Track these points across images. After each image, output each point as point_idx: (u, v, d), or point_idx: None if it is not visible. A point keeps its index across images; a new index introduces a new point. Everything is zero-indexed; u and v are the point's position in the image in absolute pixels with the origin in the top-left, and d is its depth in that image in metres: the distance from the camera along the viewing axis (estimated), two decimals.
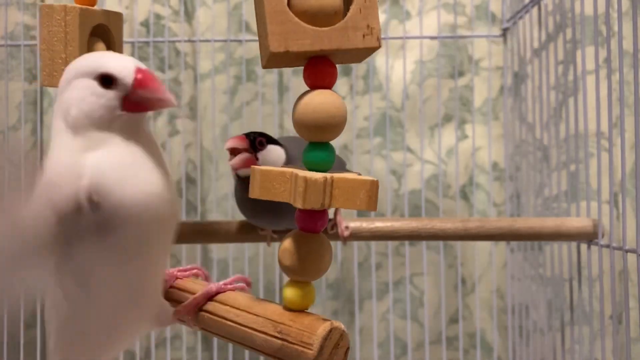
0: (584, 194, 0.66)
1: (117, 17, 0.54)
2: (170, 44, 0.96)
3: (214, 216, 0.97)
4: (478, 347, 0.88)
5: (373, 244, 0.92)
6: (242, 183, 0.54)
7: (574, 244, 0.66)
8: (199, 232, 0.65)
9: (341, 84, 0.98)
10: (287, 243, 0.34)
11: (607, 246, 0.60)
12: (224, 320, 0.37)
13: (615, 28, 0.83)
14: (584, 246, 0.64)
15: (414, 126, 0.97)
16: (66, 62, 0.47)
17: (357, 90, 0.97)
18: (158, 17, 0.96)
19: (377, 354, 0.91)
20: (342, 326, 0.33)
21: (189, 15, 0.98)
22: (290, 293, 0.34)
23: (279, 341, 0.33)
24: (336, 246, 0.96)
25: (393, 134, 0.96)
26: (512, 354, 0.88)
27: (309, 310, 0.35)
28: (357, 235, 0.63)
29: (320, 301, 0.95)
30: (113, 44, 0.53)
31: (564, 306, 0.70)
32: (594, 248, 0.63)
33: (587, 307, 0.77)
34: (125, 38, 0.94)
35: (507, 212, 0.89)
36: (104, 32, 0.52)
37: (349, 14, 0.31)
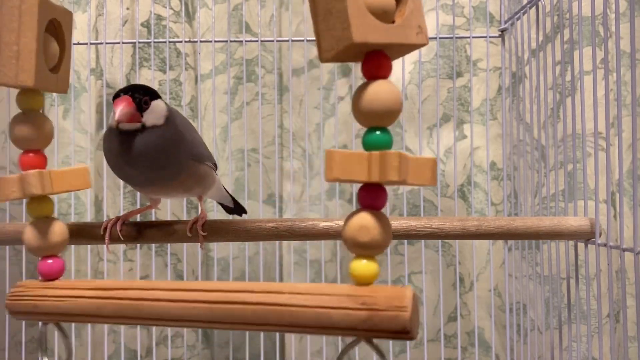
0: (582, 193, 0.66)
1: (67, 14, 0.48)
2: (171, 45, 0.97)
3: (214, 216, 0.97)
4: (476, 345, 0.89)
5: None
6: (121, 136, 0.55)
7: (571, 243, 0.67)
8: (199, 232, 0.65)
9: (341, 84, 0.99)
10: (363, 220, 0.36)
11: (605, 245, 0.60)
12: (288, 308, 0.37)
13: (613, 29, 0.84)
14: (581, 245, 0.65)
15: (412, 126, 0.97)
16: (19, 56, 0.42)
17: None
18: (159, 18, 0.96)
19: None
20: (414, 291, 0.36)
21: (190, 16, 0.99)
22: (362, 268, 0.37)
23: (365, 312, 0.35)
24: (336, 245, 0.96)
25: (392, 133, 0.96)
26: (510, 352, 0.88)
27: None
28: None
29: None
30: (63, 43, 0.48)
31: (562, 305, 0.71)
32: (591, 247, 0.63)
33: (584, 305, 0.77)
34: (127, 39, 0.94)
35: (505, 211, 0.90)
36: (54, 29, 0.47)
37: (405, 15, 0.36)
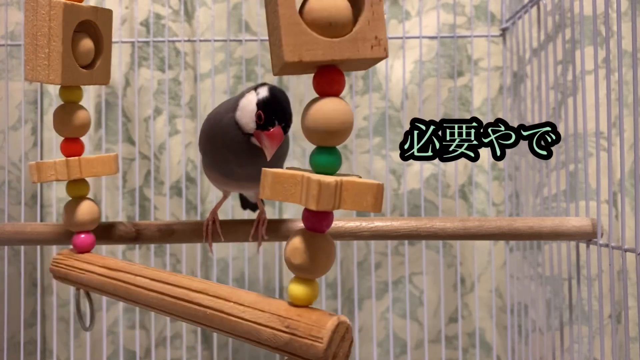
0: (583, 193, 0.66)
1: (105, 13, 0.53)
2: (170, 44, 0.96)
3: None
4: (477, 346, 0.88)
5: (373, 243, 0.92)
6: (250, 144, 0.55)
7: (572, 244, 0.66)
8: (198, 232, 0.65)
9: None
10: (296, 242, 0.36)
11: (606, 245, 0.60)
12: (228, 317, 0.38)
13: (614, 28, 0.83)
14: (582, 245, 0.64)
15: None
16: (49, 57, 0.48)
17: (356, 90, 0.97)
18: (158, 17, 0.96)
19: (376, 352, 0.92)
20: (348, 321, 0.35)
21: (189, 15, 0.98)
22: (296, 290, 0.36)
23: (287, 335, 0.35)
24: (336, 245, 0.96)
25: (392, 133, 0.96)
26: (511, 353, 0.88)
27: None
28: (356, 235, 0.63)
29: (320, 300, 0.95)
30: (100, 40, 0.53)
31: (563, 305, 0.70)
32: (592, 247, 0.63)
33: (586, 306, 0.77)
34: (125, 38, 0.94)
35: (506, 211, 0.89)
36: (91, 28, 0.52)
37: (357, 26, 0.33)
